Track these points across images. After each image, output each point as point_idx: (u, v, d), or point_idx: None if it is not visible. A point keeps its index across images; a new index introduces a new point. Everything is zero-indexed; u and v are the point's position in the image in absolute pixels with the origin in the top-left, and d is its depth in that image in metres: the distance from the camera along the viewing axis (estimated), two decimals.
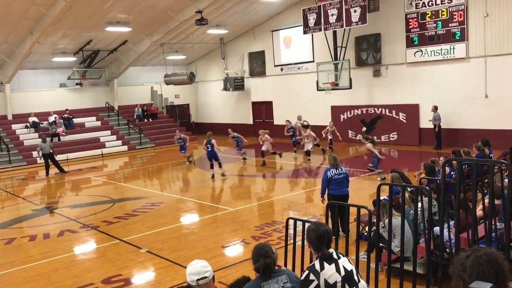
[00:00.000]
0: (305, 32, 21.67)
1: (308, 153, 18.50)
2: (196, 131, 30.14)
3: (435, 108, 19.05)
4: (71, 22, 20.06)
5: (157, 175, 19.21)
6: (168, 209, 12.65)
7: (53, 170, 19.63)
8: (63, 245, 9.99)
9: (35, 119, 24.54)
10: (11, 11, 17.92)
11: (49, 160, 19.36)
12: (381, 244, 6.21)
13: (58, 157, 20.37)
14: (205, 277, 3.49)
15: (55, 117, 24.78)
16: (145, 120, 28.28)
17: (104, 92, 28.06)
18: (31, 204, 14.28)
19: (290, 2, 23.42)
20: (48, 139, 20.80)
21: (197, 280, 3.46)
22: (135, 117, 28.02)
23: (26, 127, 24.36)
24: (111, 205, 13.38)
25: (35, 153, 20.82)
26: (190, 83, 27.74)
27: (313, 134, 18.63)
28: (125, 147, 25.20)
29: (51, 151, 19.39)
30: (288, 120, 20.93)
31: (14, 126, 24.23)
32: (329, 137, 20.41)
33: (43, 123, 24.61)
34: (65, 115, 25.37)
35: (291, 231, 6.46)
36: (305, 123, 19.98)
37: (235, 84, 27.58)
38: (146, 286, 7.68)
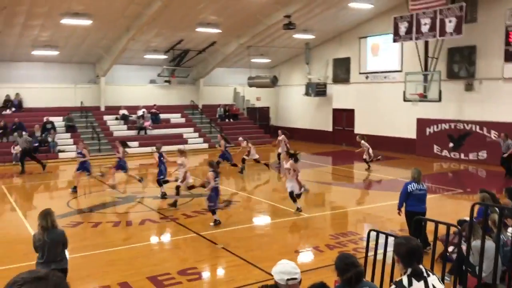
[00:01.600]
0: (395, 41, 21.02)
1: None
2: (274, 134, 30.28)
3: (506, 136, 17.25)
4: (165, 21, 20.98)
5: (235, 175, 19.53)
6: (243, 208, 12.82)
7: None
8: (144, 233, 10.46)
9: (125, 112, 25.94)
10: (111, 10, 19.09)
11: (28, 157, 18.99)
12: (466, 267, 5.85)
13: (145, 150, 21.32)
14: (295, 278, 3.48)
15: (143, 111, 26.05)
16: (226, 120, 28.92)
17: (190, 90, 29.08)
18: (116, 192, 15.08)
19: (380, 10, 22.88)
20: (24, 133, 19.97)
21: (287, 279, 3.46)
22: (217, 116, 28.76)
23: (116, 118, 25.83)
24: (190, 199, 13.79)
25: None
26: (272, 86, 27.98)
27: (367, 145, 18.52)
28: (205, 145, 25.92)
29: (26, 146, 19.01)
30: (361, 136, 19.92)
31: (105, 117, 25.79)
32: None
33: (132, 116, 25.97)
34: (153, 110, 26.60)
35: (370, 243, 6.28)
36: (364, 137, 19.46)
37: (317, 90, 27.41)
38: (219, 282, 7.82)
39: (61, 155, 22.10)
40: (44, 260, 6.11)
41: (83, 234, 10.47)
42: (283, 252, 8.89)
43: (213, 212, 10.77)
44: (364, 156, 18.73)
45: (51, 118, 23.43)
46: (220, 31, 22.74)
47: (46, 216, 6.17)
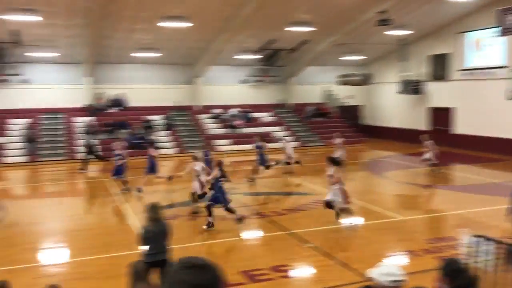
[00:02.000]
0: (503, 34, 19.52)
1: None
2: (366, 133, 29.59)
3: None
4: (258, 21, 21.36)
5: (324, 174, 19.41)
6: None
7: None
8: (236, 228, 10.76)
9: (219, 111, 26.82)
10: (208, 12, 19.83)
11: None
12: None
13: (237, 148, 21.88)
14: (401, 280, 3.44)
15: (235, 110, 26.76)
16: (316, 118, 28.79)
17: (280, 89, 29.35)
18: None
19: (481, 3, 21.43)
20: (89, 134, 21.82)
21: (393, 281, 3.42)
22: (307, 115, 28.72)
23: (211, 117, 26.79)
24: (280, 197, 13.95)
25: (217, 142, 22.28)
26: (364, 84, 27.38)
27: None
28: (295, 143, 26.00)
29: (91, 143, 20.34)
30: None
31: (201, 116, 26.85)
32: None
33: (224, 115, 26.78)
34: (244, 109, 27.23)
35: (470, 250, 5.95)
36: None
37: (412, 88, 26.34)
38: (311, 281, 7.86)
39: (160, 151, 23.34)
40: (154, 251, 6.50)
41: (180, 227, 11.01)
42: (376, 255, 8.69)
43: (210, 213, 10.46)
44: (427, 156, 17.42)
45: (152, 117, 24.88)
46: (312, 29, 22.67)
47: (155, 208, 6.60)
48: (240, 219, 10.51)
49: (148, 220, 6.61)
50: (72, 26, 20.19)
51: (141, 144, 23.06)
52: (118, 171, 15.06)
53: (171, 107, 26.44)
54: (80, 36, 21.31)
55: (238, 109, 27.02)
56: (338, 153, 17.34)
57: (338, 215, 10.69)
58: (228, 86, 28.06)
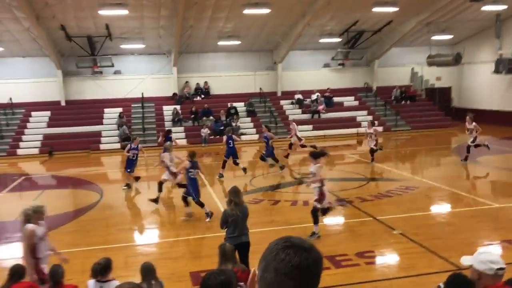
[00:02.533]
0: None
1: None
2: (456, 117, 27.97)
3: None
4: (340, 3, 20.86)
5: (411, 159, 18.69)
6: (422, 195, 12.19)
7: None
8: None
9: (300, 96, 26.68)
10: None
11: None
12: None
13: (318, 133, 21.67)
14: (503, 268, 3.23)
15: (317, 95, 26.48)
16: (403, 102, 27.68)
17: (363, 72, 28.54)
18: (293, 173, 15.68)
19: None
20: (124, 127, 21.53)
21: (497, 269, 3.22)
22: (392, 98, 27.72)
23: (292, 103, 26.73)
24: (365, 183, 13.65)
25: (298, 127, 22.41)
26: (455, 64, 25.80)
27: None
28: (380, 128, 25.24)
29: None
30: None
31: (282, 102, 26.89)
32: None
33: (306, 100, 26.60)
34: (326, 94, 26.84)
35: None
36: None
37: (510, 67, 24.38)
38: (398, 267, 7.62)
39: (243, 137, 23.78)
40: (235, 233, 6.67)
41: (264, 211, 11.17)
42: (469, 243, 8.24)
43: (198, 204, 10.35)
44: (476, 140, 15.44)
45: (234, 104, 25.35)
46: (397, 9, 21.73)
47: (238, 193, 6.76)
48: (209, 214, 10.27)
49: (229, 203, 6.78)
50: (158, 18, 21.04)
51: (224, 130, 23.68)
52: (130, 165, 14.33)
53: (253, 93, 26.72)
54: (166, 27, 22.15)
55: (320, 94, 26.69)
56: (371, 143, 16.19)
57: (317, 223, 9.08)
58: (309, 71, 27.77)
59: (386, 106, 26.68)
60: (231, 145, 15.35)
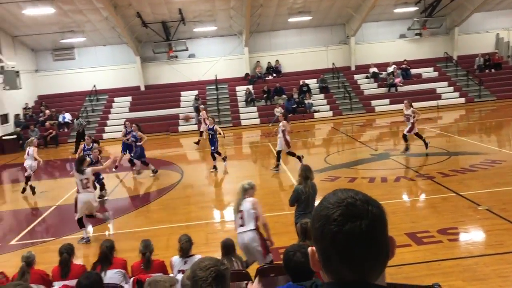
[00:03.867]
0: None
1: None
2: None
3: None
4: None
5: (497, 131, 17.58)
6: (510, 168, 11.45)
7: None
8: (399, 190, 10.43)
9: (375, 69, 25.86)
10: None
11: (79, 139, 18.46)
12: None
13: (396, 107, 20.98)
14: None
15: (393, 68, 25.52)
16: (486, 71, 25.95)
17: (443, 41, 27.02)
18: (369, 149, 15.36)
19: None
20: (79, 119, 20.53)
21: None
22: (475, 67, 26.06)
23: (367, 77, 26.00)
24: (446, 157, 13.06)
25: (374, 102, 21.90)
26: None
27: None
28: (462, 100, 23.95)
29: (80, 129, 19.00)
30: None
31: (356, 77, 26.23)
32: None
33: (382, 74, 25.74)
34: (403, 66, 25.79)
35: None
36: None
37: None
38: (484, 244, 7.26)
39: (316, 115, 23.60)
40: (307, 211, 6.70)
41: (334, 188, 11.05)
42: None
43: None
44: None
45: (307, 81, 25.11)
46: None
47: (307, 171, 6.75)
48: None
49: (299, 181, 6.79)
50: None
51: (296, 108, 23.60)
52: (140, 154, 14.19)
53: (326, 69, 26.28)
54: (236, 8, 22.28)
55: (396, 66, 25.69)
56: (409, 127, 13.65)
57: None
58: (384, 43, 26.76)
59: (468, 76, 25.16)
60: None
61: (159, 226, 9.34)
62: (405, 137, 13.77)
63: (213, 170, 13.79)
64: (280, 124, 12.92)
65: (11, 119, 22.97)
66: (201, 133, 18.81)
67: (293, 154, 12.96)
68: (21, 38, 23.91)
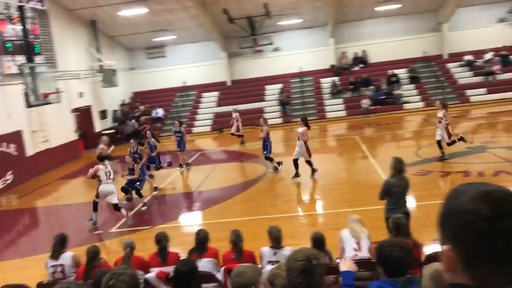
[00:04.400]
0: None
1: None
2: None
3: None
4: None
5: None
6: None
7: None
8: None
9: (470, 57, 24.27)
10: None
11: None
12: None
13: (494, 97, 19.57)
14: None
15: (491, 55, 23.79)
16: None
17: None
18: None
19: None
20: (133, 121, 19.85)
21: None
22: None
23: (461, 66, 24.49)
24: None
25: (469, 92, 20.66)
26: None
27: None
28: None
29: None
30: None
31: (449, 65, 24.80)
32: None
33: (477, 61, 24.10)
34: (502, 52, 23.95)
35: None
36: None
37: None
38: None
39: (406, 106, 22.68)
40: (398, 205, 6.46)
41: (432, 182, 10.56)
42: None
43: None
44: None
45: (395, 71, 24.20)
46: None
47: (399, 163, 6.49)
48: None
49: (392, 174, 6.55)
50: None
51: (385, 100, 22.87)
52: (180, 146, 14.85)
53: (416, 58, 25.14)
54: None
55: (494, 53, 23.91)
56: (441, 132, 12.11)
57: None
58: (480, 29, 24.97)
59: None
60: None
61: (245, 218, 9.54)
62: (450, 143, 12.15)
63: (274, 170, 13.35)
64: (300, 130, 11.84)
65: (110, 114, 24.59)
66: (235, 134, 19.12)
67: (310, 164, 12.00)
68: (117, 38, 25.49)
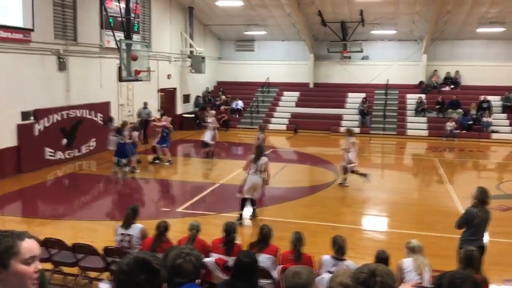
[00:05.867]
0: None
1: None
2: None
3: None
4: None
5: None
6: None
7: None
8: None
9: None
10: None
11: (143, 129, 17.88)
12: None
13: None
14: None
15: None
16: None
17: None
18: None
19: None
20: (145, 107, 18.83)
21: None
22: None
23: None
24: None
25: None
26: None
27: None
28: None
29: (148, 119, 18.25)
30: None
31: None
32: None
33: None
34: None
35: None
36: None
37: None
38: None
39: (494, 135, 21.37)
40: (476, 237, 6.12)
41: (511, 220, 9.90)
42: None
43: None
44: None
45: (488, 97, 22.84)
46: None
47: (484, 193, 6.15)
48: None
49: (474, 204, 6.21)
50: (414, 3, 20.33)
51: (472, 125, 21.72)
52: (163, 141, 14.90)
53: None
54: (421, 13, 21.26)
55: None
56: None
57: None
58: None
59: None
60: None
61: (307, 221, 9.47)
62: None
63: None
64: (351, 140, 12.45)
65: (192, 99, 25.39)
66: None
67: (354, 172, 12.52)
68: (210, 27, 26.21)
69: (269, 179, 9.67)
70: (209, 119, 16.18)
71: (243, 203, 9.47)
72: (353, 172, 12.46)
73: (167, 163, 14.84)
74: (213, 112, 17.04)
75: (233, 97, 25.84)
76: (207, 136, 15.75)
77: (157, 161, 15.06)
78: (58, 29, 14.77)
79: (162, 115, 17.37)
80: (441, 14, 20.65)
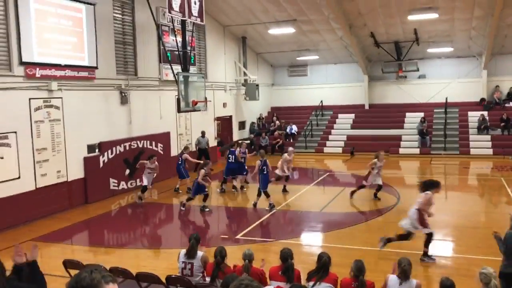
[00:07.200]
0: None
1: None
2: None
3: None
4: None
5: None
6: None
7: None
8: None
9: None
10: None
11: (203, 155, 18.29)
12: None
13: None
14: None
15: None
16: None
17: None
18: None
19: None
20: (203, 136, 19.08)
21: None
22: None
23: None
24: None
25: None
26: None
27: None
28: None
29: (206, 147, 18.87)
30: None
31: None
32: None
33: None
34: None
35: None
36: None
37: None
38: None
39: None
40: (507, 262, 6.07)
41: None
42: None
43: None
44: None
45: None
46: None
47: None
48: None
49: None
50: (470, 19, 19.77)
51: None
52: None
53: None
54: (478, 28, 20.63)
55: None
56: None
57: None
58: None
59: None
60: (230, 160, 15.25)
61: (368, 248, 9.25)
62: None
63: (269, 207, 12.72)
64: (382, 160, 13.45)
65: (247, 126, 25.76)
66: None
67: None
68: (263, 55, 26.68)
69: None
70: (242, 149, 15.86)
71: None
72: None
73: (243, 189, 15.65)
74: (245, 144, 16.77)
75: (287, 121, 25.97)
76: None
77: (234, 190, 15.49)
78: (119, 65, 15.62)
79: (150, 157, 14.24)
80: (501, 29, 19.94)
